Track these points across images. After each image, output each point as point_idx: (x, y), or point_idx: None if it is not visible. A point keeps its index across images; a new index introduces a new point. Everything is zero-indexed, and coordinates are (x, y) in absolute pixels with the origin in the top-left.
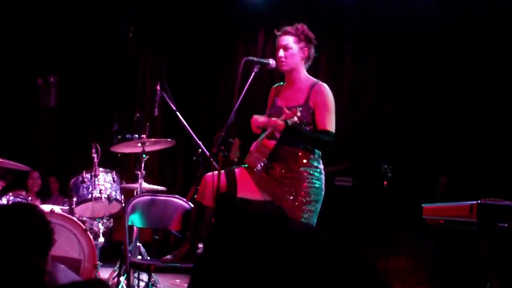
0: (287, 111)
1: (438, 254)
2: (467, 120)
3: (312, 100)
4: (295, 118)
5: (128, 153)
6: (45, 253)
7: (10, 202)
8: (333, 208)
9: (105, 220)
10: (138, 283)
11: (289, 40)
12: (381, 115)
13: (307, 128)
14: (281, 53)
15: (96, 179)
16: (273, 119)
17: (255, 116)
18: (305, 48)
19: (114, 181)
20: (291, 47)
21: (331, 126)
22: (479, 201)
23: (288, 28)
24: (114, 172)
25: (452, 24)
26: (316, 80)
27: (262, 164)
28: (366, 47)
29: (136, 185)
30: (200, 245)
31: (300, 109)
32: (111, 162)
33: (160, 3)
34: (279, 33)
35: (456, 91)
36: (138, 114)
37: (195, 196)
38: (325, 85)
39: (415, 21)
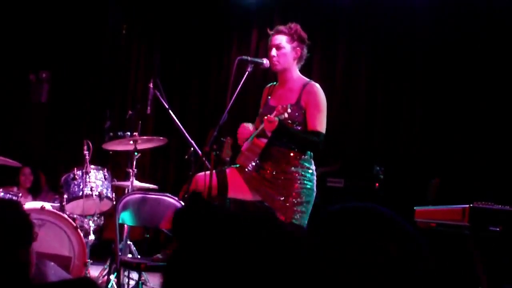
0: (279, 107)
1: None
2: (459, 123)
3: (303, 100)
4: (286, 115)
5: (120, 150)
6: (27, 246)
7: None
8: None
9: (95, 218)
10: (128, 281)
11: (281, 39)
12: (373, 116)
13: (298, 128)
14: (274, 52)
15: (87, 176)
16: (265, 117)
17: (244, 125)
18: (298, 48)
19: (105, 178)
20: (284, 47)
21: (321, 126)
22: (471, 205)
23: (281, 28)
24: (106, 169)
25: (445, 24)
26: (308, 80)
27: (254, 163)
28: (359, 47)
29: (128, 183)
30: None
31: (291, 105)
32: (102, 160)
33: (153, 1)
34: (271, 32)
35: (449, 93)
36: (130, 112)
37: (186, 195)
38: (317, 85)
39: (407, 21)
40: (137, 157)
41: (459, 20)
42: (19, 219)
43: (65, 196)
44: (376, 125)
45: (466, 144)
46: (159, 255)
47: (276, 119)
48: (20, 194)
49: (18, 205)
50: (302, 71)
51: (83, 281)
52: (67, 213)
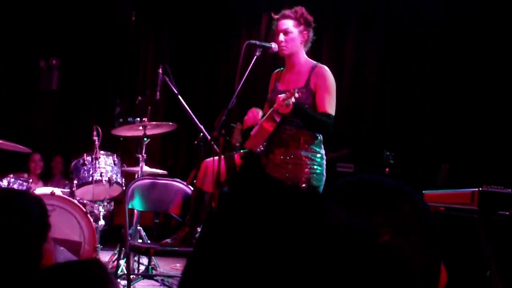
0: (287, 93)
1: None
2: (469, 108)
3: (312, 82)
4: (293, 99)
5: (130, 136)
6: (42, 242)
7: (11, 184)
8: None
9: (105, 203)
10: (138, 266)
11: (289, 24)
12: (383, 102)
13: None
14: (282, 37)
15: (97, 162)
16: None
17: (254, 109)
18: (305, 32)
19: (115, 164)
20: (291, 31)
21: (331, 109)
22: (480, 189)
23: (287, 12)
24: (115, 155)
25: (456, 7)
26: (316, 62)
27: (262, 148)
28: (369, 32)
29: (137, 169)
30: (199, 229)
31: (298, 89)
32: (112, 145)
33: None
34: (277, 17)
35: (459, 78)
36: (140, 98)
37: (195, 180)
38: (326, 67)
39: (419, 6)
40: (146, 142)
41: (470, 8)
42: (42, 216)
43: (75, 181)
44: (386, 110)
45: (476, 128)
46: (167, 240)
47: (290, 101)
48: (31, 180)
49: (41, 201)
50: (312, 56)
51: (91, 262)
52: (77, 198)
